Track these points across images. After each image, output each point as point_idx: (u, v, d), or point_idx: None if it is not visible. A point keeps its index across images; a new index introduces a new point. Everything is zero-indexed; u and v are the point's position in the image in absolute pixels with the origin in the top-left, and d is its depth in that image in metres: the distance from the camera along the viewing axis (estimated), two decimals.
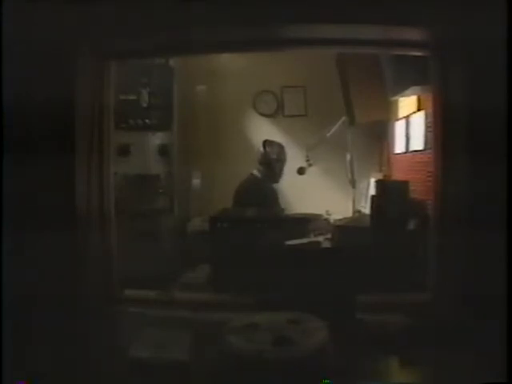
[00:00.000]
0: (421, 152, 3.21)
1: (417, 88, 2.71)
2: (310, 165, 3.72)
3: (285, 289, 1.66)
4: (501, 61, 1.51)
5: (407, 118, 3.55)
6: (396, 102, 3.79)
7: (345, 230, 2.58)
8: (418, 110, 3.28)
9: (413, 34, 1.83)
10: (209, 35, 1.92)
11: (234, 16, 1.68)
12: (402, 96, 3.24)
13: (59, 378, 1.34)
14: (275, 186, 3.87)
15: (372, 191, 3.37)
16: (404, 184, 2.53)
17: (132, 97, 3.68)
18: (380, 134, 4.31)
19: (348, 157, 3.72)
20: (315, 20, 1.71)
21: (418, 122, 3.24)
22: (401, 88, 2.85)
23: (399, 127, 3.80)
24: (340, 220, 3.05)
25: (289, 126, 4.55)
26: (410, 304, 1.89)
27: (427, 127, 3.01)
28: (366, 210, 3.51)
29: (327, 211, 3.66)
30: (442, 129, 1.85)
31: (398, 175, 3.87)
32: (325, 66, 3.98)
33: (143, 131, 3.72)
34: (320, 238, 2.88)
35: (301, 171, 3.73)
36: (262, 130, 4.51)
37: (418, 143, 3.27)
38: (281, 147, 3.88)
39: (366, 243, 2.27)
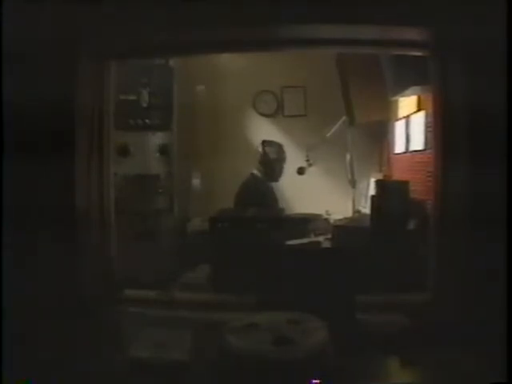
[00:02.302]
0: (421, 152, 3.21)
1: (417, 88, 2.71)
2: (309, 165, 3.72)
3: (285, 289, 1.66)
4: (501, 61, 1.51)
5: (407, 117, 3.56)
6: (396, 102, 3.80)
7: (345, 230, 2.58)
8: (418, 110, 3.28)
9: (413, 33, 1.83)
10: (209, 35, 1.92)
11: (234, 16, 1.68)
12: (402, 96, 3.24)
13: (59, 378, 1.34)
14: (275, 185, 3.87)
15: (372, 191, 3.37)
16: (404, 184, 2.53)
17: (132, 97, 3.68)
18: (380, 133, 4.31)
19: (348, 157, 3.73)
20: (315, 20, 1.71)
21: (418, 122, 3.25)
22: (401, 88, 2.85)
23: (399, 127, 3.80)
24: (340, 220, 3.05)
25: (289, 126, 4.56)
26: (410, 304, 1.89)
27: (427, 127, 3.01)
28: (366, 210, 3.51)
29: (327, 211, 3.67)
30: (442, 129, 1.85)
31: (398, 175, 3.88)
32: (325, 66, 3.98)
33: (143, 131, 3.73)
34: (320, 238, 2.89)
35: (301, 171, 3.74)
36: (262, 130, 4.52)
37: (418, 143, 3.27)
38: (280, 146, 3.89)
39: (365, 243, 2.27)
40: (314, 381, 1.21)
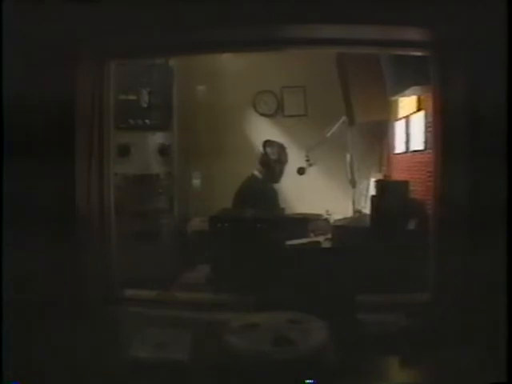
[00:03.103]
0: (421, 152, 3.21)
1: (417, 88, 2.71)
2: (310, 165, 3.72)
3: (285, 289, 1.66)
4: (501, 61, 1.51)
5: (407, 117, 3.56)
6: (396, 102, 3.80)
7: (345, 230, 2.58)
8: (418, 110, 3.28)
9: (413, 33, 1.83)
10: (209, 35, 1.92)
11: (233, 16, 1.68)
12: (402, 96, 3.24)
13: (59, 378, 1.34)
14: (275, 186, 3.87)
15: (372, 191, 3.37)
16: (404, 184, 2.53)
17: (132, 97, 3.68)
18: (380, 133, 4.31)
19: (348, 157, 3.73)
20: (315, 20, 1.71)
21: (418, 122, 3.25)
22: (401, 88, 2.85)
23: (399, 127, 3.80)
24: (340, 220, 3.05)
25: (289, 126, 4.55)
26: (410, 304, 1.89)
27: (427, 127, 3.01)
28: (366, 210, 3.51)
29: (327, 211, 3.66)
30: (442, 129, 1.85)
31: (397, 175, 3.88)
32: (325, 66, 3.98)
33: (143, 131, 3.73)
34: (320, 238, 2.89)
35: (301, 171, 3.73)
36: (262, 130, 4.52)
37: (418, 143, 3.27)
38: (282, 148, 3.88)
39: (365, 243, 2.27)
40: None
